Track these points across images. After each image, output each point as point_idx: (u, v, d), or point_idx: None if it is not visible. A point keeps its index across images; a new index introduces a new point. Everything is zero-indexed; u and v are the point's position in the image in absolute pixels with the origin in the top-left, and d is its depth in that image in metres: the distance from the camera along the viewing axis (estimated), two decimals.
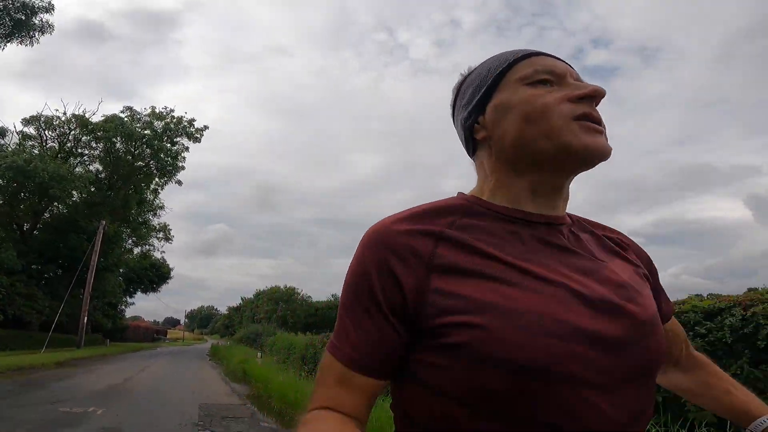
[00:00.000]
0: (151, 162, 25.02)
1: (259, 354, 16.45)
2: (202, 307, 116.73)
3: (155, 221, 28.64)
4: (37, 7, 14.42)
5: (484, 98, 0.60)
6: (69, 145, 24.84)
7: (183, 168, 25.76)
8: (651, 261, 0.68)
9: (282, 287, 46.40)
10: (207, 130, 26.42)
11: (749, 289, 4.18)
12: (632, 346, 0.51)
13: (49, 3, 14.26)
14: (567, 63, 0.60)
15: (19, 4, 13.85)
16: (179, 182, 26.11)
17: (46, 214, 24.62)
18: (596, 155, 0.55)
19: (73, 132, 24.70)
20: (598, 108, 0.58)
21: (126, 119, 24.66)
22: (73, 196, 21.28)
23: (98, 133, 23.56)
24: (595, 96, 0.56)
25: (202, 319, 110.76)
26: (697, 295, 4.79)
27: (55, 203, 23.07)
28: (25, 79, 73.86)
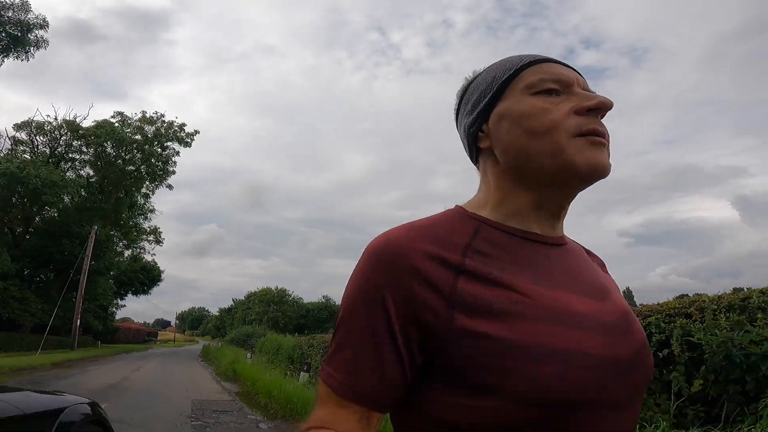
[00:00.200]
0: (142, 166, 25.64)
1: (248, 354, 17.28)
2: (193, 308, 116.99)
3: (146, 224, 29.23)
4: (32, 24, 15.15)
5: (488, 105, 0.59)
6: (60, 150, 25.40)
7: (174, 172, 26.43)
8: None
9: (273, 289, 47.21)
10: (198, 133, 27.02)
11: (735, 289, 4.33)
12: (638, 366, 0.53)
13: (44, 19, 15.08)
14: (575, 70, 0.59)
15: (15, 21, 14.58)
16: (170, 186, 26.76)
17: (37, 219, 25.17)
18: (595, 172, 0.54)
19: (64, 137, 25.26)
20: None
21: (117, 124, 25.25)
22: (64, 201, 21.85)
23: (89, 138, 24.14)
24: (603, 108, 0.55)
25: (193, 321, 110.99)
26: (681, 296, 5.08)
27: (47, 208, 23.64)
28: (13, 80, 73.76)
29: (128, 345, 38.64)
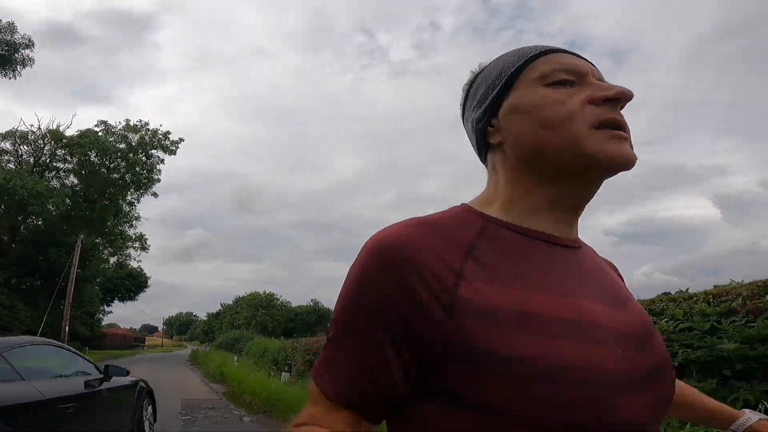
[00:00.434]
0: (127, 175, 26.29)
1: (235, 357, 18.16)
2: (181, 313, 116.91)
3: (131, 232, 29.84)
4: (19, 44, 15.91)
5: (498, 98, 0.56)
6: (44, 159, 25.95)
7: (159, 180, 27.09)
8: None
9: (261, 293, 47.92)
10: (182, 141, 27.68)
11: (715, 287, 4.45)
12: (658, 382, 0.50)
13: (29, 39, 15.88)
14: (589, 61, 0.56)
15: (2, 41, 15.35)
16: (155, 194, 27.41)
17: (22, 228, 25.74)
18: (621, 165, 0.51)
19: (47, 146, 25.83)
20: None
21: (100, 133, 25.88)
22: (49, 210, 22.48)
23: (74, 148, 24.77)
24: (621, 99, 0.52)
25: (180, 326, 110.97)
26: (665, 293, 5.17)
27: (32, 217, 24.24)
28: None
29: (116, 351, 39.12)
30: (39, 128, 25.41)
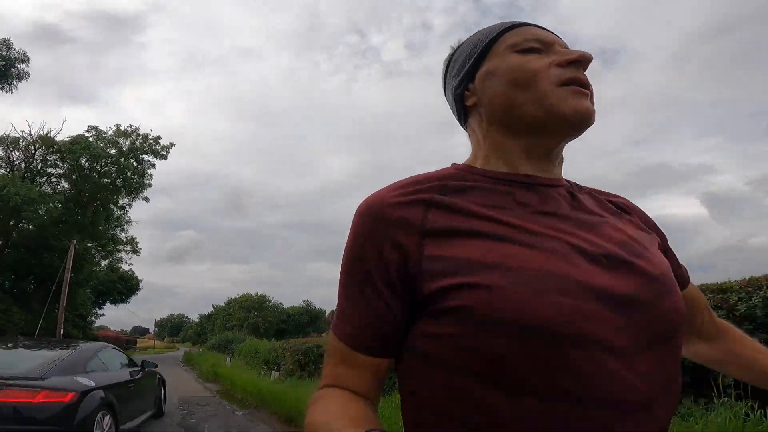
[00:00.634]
0: (118, 180, 26.93)
1: (228, 358, 18.99)
2: (172, 315, 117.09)
3: (123, 235, 30.49)
4: (14, 59, 16.68)
5: (474, 66, 0.63)
6: (35, 165, 26.53)
7: (150, 185, 27.76)
8: (658, 227, 0.67)
9: (253, 295, 48.59)
10: (173, 146, 28.33)
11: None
12: (648, 305, 0.49)
13: (25, 54, 16.66)
14: (554, 33, 0.63)
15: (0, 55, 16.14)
16: (146, 199, 28.08)
17: (14, 233, 26.36)
18: (582, 119, 0.56)
19: (38, 152, 26.41)
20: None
21: (91, 139, 26.48)
22: (41, 216, 23.11)
23: (64, 154, 25.38)
24: (582, 61, 0.58)
25: (172, 327, 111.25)
26: (750, 277, 5.62)
27: (24, 222, 24.87)
28: None
29: None
30: (30, 134, 26.00)
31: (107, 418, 4.56)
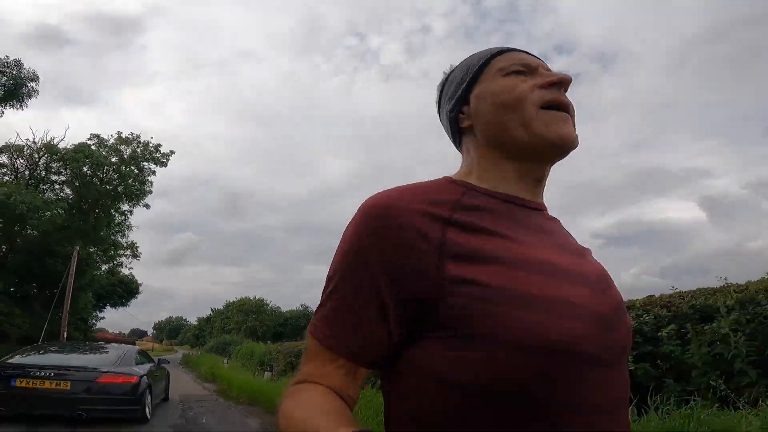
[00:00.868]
0: (119, 187, 27.95)
1: (225, 360, 20.03)
2: (171, 317, 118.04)
3: (123, 240, 31.50)
4: (24, 77, 17.90)
5: (466, 90, 0.69)
6: (38, 172, 27.58)
7: (150, 192, 28.80)
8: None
9: (252, 298, 49.54)
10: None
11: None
12: (619, 324, 0.58)
13: (34, 73, 17.92)
14: (539, 58, 0.69)
15: (11, 75, 17.31)
16: (147, 206, 29.13)
17: (18, 239, 27.42)
18: (563, 144, 0.62)
19: (42, 159, 27.45)
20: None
21: (93, 146, 27.49)
22: (45, 222, 24.09)
23: (68, 162, 26.37)
24: (563, 83, 0.65)
25: (171, 330, 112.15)
26: (650, 296, 5.61)
27: (28, 229, 25.90)
28: None
29: None
30: (34, 142, 27.05)
31: (149, 395, 7.20)
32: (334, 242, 0.58)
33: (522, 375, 0.48)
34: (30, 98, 18.73)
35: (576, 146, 0.64)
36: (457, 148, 0.75)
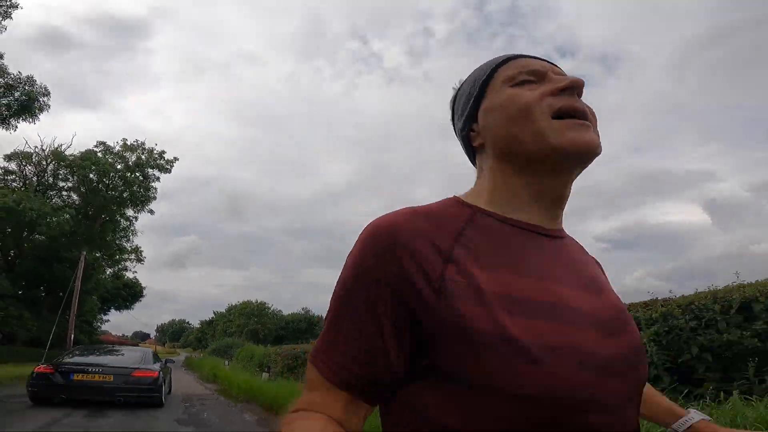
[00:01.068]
0: (125, 193, 28.89)
1: (226, 362, 20.93)
2: (173, 320, 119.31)
3: (128, 245, 32.44)
4: (37, 92, 19.07)
5: (475, 106, 0.65)
6: (46, 179, 28.56)
7: (155, 198, 29.75)
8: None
9: (254, 301, 50.44)
10: (177, 160, 30.28)
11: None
12: (633, 368, 0.55)
13: (45, 88, 19.21)
14: (549, 61, 0.64)
15: (24, 90, 18.50)
16: (151, 211, 30.09)
17: (26, 245, 28.44)
18: (585, 151, 0.56)
19: (50, 166, 28.43)
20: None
21: (100, 154, 28.45)
22: (53, 228, 25.00)
23: (74, 169, 27.32)
24: (575, 87, 0.59)
25: (173, 333, 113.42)
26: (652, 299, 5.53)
27: (36, 234, 26.89)
28: None
29: None
30: (42, 149, 28.08)
31: (164, 387, 9.13)
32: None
33: (517, 425, 0.47)
34: (42, 112, 19.92)
35: (599, 153, 0.59)
36: (473, 165, 0.71)
